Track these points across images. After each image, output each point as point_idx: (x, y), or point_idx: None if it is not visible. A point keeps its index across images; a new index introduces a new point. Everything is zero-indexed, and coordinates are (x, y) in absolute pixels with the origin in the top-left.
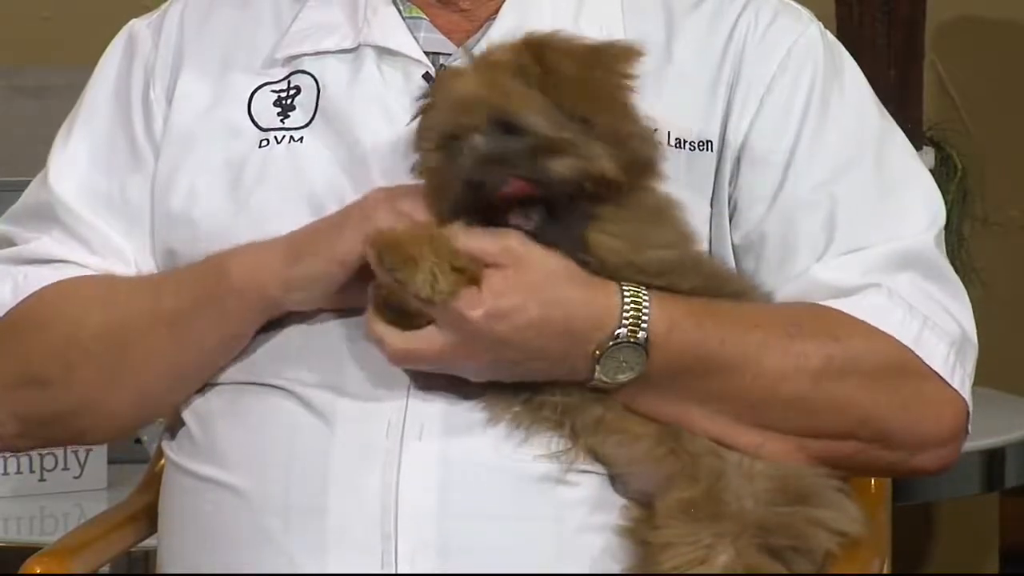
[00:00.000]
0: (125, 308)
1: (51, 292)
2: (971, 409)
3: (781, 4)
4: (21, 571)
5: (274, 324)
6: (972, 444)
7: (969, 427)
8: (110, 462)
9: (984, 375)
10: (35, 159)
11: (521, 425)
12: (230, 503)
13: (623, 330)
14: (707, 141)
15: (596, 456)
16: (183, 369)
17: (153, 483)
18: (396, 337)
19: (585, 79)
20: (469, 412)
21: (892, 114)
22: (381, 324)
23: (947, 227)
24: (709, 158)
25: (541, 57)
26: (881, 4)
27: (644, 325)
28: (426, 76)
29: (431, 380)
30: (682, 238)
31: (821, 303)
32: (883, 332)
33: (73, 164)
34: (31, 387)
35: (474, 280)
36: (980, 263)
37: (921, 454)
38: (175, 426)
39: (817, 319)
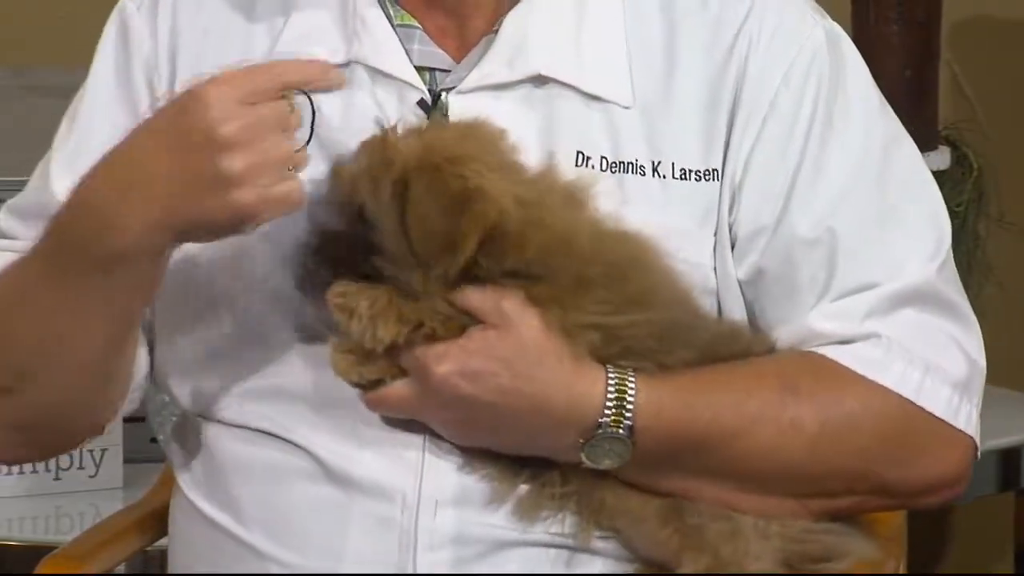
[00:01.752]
0: (41, 308)
1: None
2: (979, 441)
3: (788, 3)
4: (36, 571)
5: (282, 367)
6: (988, 444)
7: (978, 453)
8: (126, 461)
9: (1000, 375)
10: None
11: (525, 510)
12: (247, 559)
13: (606, 419)
14: (713, 170)
15: (606, 530)
16: (123, 335)
17: (168, 483)
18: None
19: (428, 224)
20: (482, 484)
21: (907, 114)
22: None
23: (963, 226)
24: (714, 187)
25: (406, 186)
26: (896, 4)
27: (628, 415)
28: (421, 103)
29: (444, 449)
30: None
31: (819, 350)
32: (881, 387)
33: (75, 162)
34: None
35: (433, 336)
36: (996, 262)
37: (925, 497)
38: (182, 441)
39: (814, 377)
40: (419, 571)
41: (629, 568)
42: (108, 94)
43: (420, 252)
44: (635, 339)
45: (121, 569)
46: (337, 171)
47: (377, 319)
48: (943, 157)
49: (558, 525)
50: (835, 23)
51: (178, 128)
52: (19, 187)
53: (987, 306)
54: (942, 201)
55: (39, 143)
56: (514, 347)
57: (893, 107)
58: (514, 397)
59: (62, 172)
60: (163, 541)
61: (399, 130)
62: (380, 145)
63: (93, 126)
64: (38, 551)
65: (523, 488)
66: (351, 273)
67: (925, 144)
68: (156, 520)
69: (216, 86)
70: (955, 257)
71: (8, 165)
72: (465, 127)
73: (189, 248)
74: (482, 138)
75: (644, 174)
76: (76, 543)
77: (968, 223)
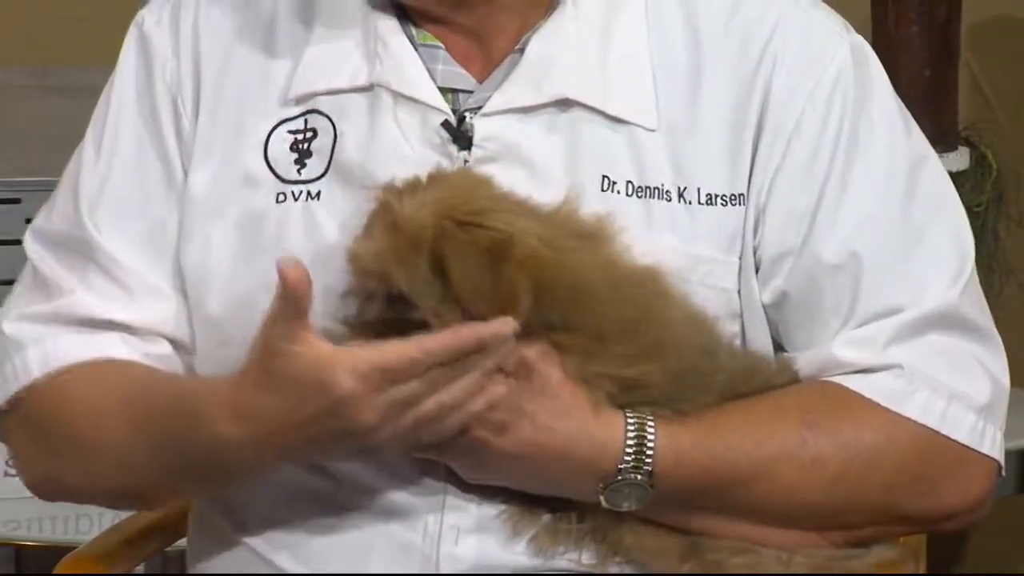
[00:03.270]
0: (136, 463)
1: (65, 392)
2: (1002, 463)
3: (813, 20)
4: (56, 571)
5: None
6: (1008, 445)
7: (1003, 471)
8: None
9: (1021, 376)
10: (67, 159)
11: (543, 545)
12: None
13: (626, 466)
14: (739, 195)
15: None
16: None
17: None
18: None
19: (476, 285)
20: (503, 516)
21: (927, 114)
22: None
23: (983, 227)
24: (740, 213)
25: (441, 255)
26: (916, 5)
27: (648, 461)
28: (445, 124)
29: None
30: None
31: (841, 380)
32: (904, 418)
33: (104, 194)
34: (52, 482)
35: None
36: (1016, 263)
37: (946, 523)
38: None
39: (835, 412)
40: None
41: None
42: (131, 118)
43: (478, 316)
44: (653, 387)
45: (140, 569)
46: (355, 257)
47: None
48: (962, 158)
49: (577, 555)
50: (860, 36)
51: (316, 419)
52: (39, 187)
53: (1007, 307)
54: (966, 219)
55: (59, 143)
56: (536, 398)
57: (912, 108)
58: (536, 448)
59: (93, 205)
60: (182, 542)
61: (399, 189)
62: (399, 211)
63: (117, 155)
64: (57, 551)
65: (541, 523)
66: None
67: (944, 145)
68: (175, 521)
69: (356, 383)
70: (975, 258)
71: (29, 165)
72: (465, 179)
73: (205, 274)
74: (486, 185)
75: (670, 200)
76: (95, 543)
77: (988, 224)
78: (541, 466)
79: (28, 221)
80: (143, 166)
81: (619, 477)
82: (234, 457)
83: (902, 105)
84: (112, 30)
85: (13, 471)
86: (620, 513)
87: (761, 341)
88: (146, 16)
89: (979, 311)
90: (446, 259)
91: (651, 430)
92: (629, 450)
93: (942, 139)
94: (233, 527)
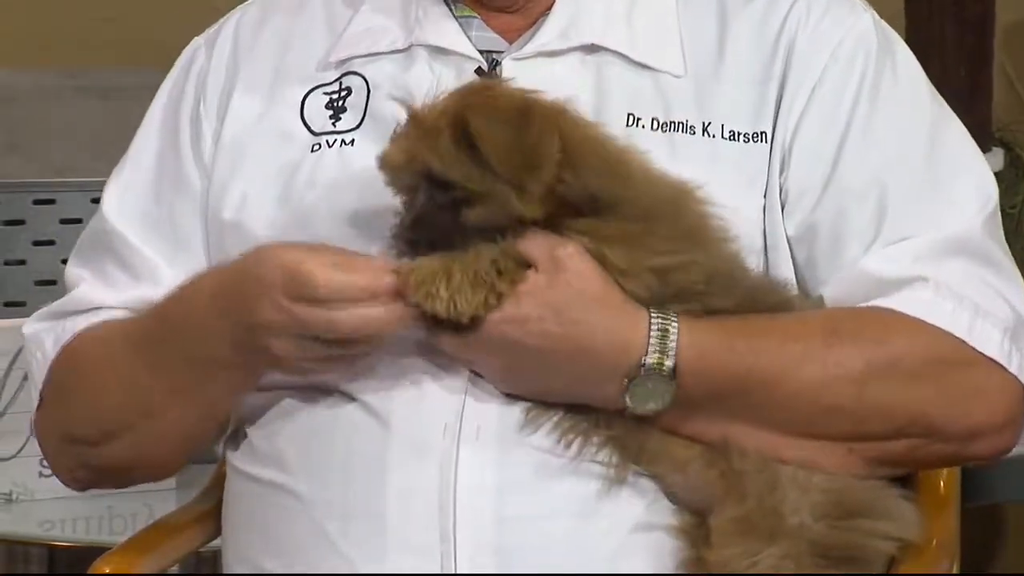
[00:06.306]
0: (137, 386)
1: (74, 349)
2: None
3: None
4: (89, 571)
5: None
6: None
7: None
8: None
9: None
10: (100, 160)
11: (564, 433)
12: (291, 507)
13: (650, 359)
14: (761, 133)
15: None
16: (214, 418)
17: (221, 483)
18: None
19: (504, 144)
20: (523, 417)
21: (961, 114)
22: None
23: (1016, 228)
24: (763, 149)
25: (465, 124)
26: (951, 4)
27: (671, 354)
28: (479, 71)
29: (487, 391)
30: (709, 255)
31: (864, 305)
32: (931, 326)
33: (124, 189)
34: (81, 445)
35: (495, 290)
36: None
37: (975, 442)
38: (237, 435)
39: (857, 322)
40: (459, 497)
41: (670, 505)
42: (157, 128)
43: (508, 174)
44: (687, 282)
45: (175, 569)
46: (384, 157)
47: (458, 297)
48: (996, 159)
49: (602, 457)
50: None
51: (246, 299)
52: (72, 188)
53: None
54: (991, 174)
55: (92, 144)
56: (562, 293)
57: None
58: (559, 341)
59: (111, 202)
60: (216, 541)
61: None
62: (421, 111)
63: (139, 158)
64: (91, 552)
65: (560, 415)
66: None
67: (979, 145)
68: (209, 520)
69: (277, 277)
70: None
71: (62, 167)
72: (479, 83)
73: (242, 225)
74: (501, 84)
75: (694, 133)
76: (129, 543)
77: (1022, 226)
78: (564, 363)
79: (63, 222)
80: (162, 169)
81: (642, 371)
82: (217, 345)
83: (927, 79)
84: (143, 31)
85: (48, 471)
86: (643, 423)
87: (785, 278)
88: (198, 37)
89: (1002, 249)
90: (471, 125)
91: (674, 325)
92: (653, 342)
93: (976, 140)
94: (256, 469)
